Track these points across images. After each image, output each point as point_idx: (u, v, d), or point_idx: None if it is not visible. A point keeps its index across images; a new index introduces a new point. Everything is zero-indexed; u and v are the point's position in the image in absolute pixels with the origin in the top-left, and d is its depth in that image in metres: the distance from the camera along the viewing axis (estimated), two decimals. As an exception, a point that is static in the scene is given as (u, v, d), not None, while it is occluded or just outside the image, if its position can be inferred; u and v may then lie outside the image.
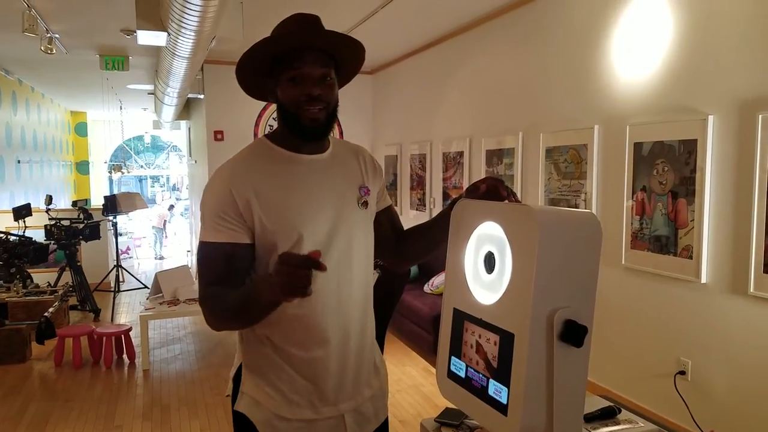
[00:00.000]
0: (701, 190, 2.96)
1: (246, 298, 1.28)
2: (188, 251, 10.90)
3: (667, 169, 3.16)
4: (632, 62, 3.42)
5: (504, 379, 1.15)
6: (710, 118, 2.91)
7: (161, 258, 11.49)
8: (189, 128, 10.09)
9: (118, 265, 7.40)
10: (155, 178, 17.40)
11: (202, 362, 4.79)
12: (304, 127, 1.36)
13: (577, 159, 3.88)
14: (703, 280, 2.97)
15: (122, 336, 4.89)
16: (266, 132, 7.41)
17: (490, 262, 1.23)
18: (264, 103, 7.24)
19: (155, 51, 5.87)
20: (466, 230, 1.30)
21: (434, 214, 6.12)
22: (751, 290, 2.71)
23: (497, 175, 4.77)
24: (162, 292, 5.18)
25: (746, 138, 2.75)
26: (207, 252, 1.36)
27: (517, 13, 4.50)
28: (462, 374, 1.29)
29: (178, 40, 4.18)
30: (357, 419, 1.48)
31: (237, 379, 1.48)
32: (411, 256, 1.64)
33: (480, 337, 1.23)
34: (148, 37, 4.38)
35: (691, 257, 3.02)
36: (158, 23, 4.19)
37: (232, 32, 4.31)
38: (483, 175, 4.97)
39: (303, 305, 1.36)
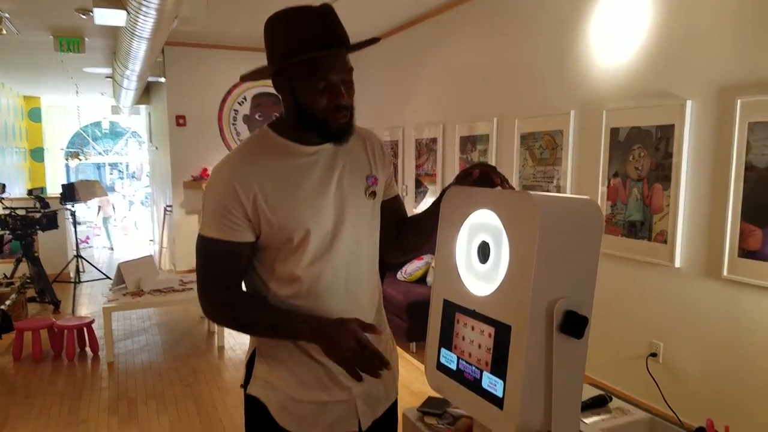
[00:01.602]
0: (677, 176, 2.96)
1: (278, 324, 1.33)
2: (151, 240, 10.61)
3: (643, 155, 3.16)
4: (609, 47, 3.41)
5: (499, 372, 1.10)
6: (688, 103, 2.91)
7: (111, 249, 10.95)
8: (149, 113, 9.81)
9: (77, 256, 7.15)
10: (114, 165, 16.91)
11: (168, 354, 4.66)
12: (333, 132, 1.33)
13: (552, 145, 3.86)
14: (677, 264, 2.99)
15: (84, 328, 4.72)
16: (231, 117, 7.29)
17: (484, 251, 1.17)
18: (229, 87, 7.08)
19: (113, 32, 5.63)
20: (458, 219, 1.24)
21: (406, 202, 6.08)
22: (725, 274, 2.73)
23: (471, 161, 4.74)
24: (125, 282, 5.01)
25: (724, 123, 2.76)
26: (210, 248, 1.34)
27: (489, -3, 4.45)
28: (453, 366, 1.23)
29: (138, 20, 4.00)
30: (368, 401, 1.47)
31: (250, 366, 1.46)
32: (405, 248, 1.59)
33: (473, 329, 1.18)
34: (105, 17, 4.18)
35: (665, 242, 3.04)
36: (116, 1, 4.00)
37: (195, 11, 4.16)
38: (457, 162, 4.93)
39: (312, 300, 1.37)
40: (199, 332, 5.21)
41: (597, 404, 1.49)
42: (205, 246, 1.34)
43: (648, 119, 3.13)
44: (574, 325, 1.03)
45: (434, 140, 5.30)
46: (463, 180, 1.33)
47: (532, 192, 1.07)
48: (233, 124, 7.31)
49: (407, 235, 1.57)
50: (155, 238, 9.72)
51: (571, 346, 1.06)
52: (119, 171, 16.82)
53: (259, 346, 1.45)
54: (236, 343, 4.81)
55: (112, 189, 14.97)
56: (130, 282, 4.99)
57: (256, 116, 7.38)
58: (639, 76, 3.22)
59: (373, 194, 1.45)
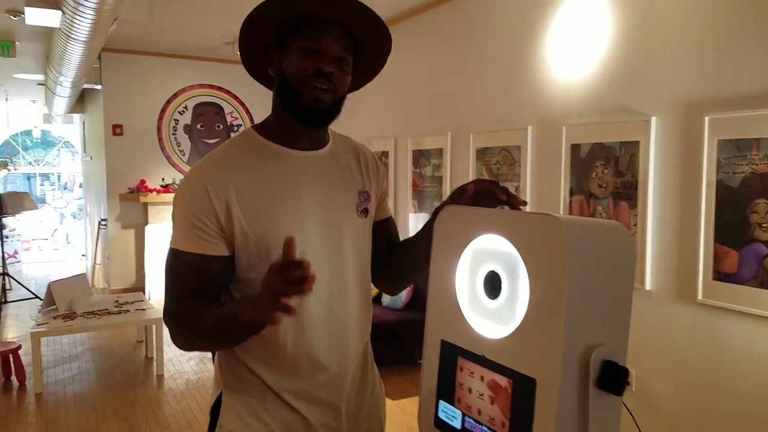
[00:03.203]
0: (644, 194, 2.89)
1: (223, 317, 1.11)
2: (83, 255, 10.04)
3: (607, 172, 3.08)
4: (568, 61, 3.33)
5: (520, 434, 0.91)
6: (653, 120, 2.84)
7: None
8: (83, 122, 9.30)
9: (4, 273, 6.60)
10: (45, 176, 16.04)
11: (103, 383, 4.28)
12: (304, 107, 1.15)
13: (509, 160, 3.75)
14: (648, 287, 2.90)
15: (10, 355, 4.28)
16: (171, 127, 6.92)
17: (493, 284, 0.99)
18: (169, 96, 6.74)
19: (46, 35, 5.24)
20: (458, 244, 1.06)
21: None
22: (700, 298, 2.64)
23: (424, 176, 4.59)
24: (56, 304, 4.60)
25: (692, 140, 2.69)
26: (176, 261, 1.16)
27: (446, 8, 4.34)
28: (457, 425, 1.04)
29: (74, 21, 3.68)
30: None
31: (215, 412, 1.25)
32: (395, 278, 1.37)
33: (482, 379, 0.99)
34: (38, 17, 3.84)
35: (634, 262, 2.95)
36: (50, 0, 3.68)
37: (136, 14, 3.86)
38: (409, 177, 4.77)
39: (291, 331, 1.17)
40: (136, 359, 4.83)
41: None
42: (172, 257, 1.16)
43: (611, 136, 3.05)
44: (615, 378, 0.86)
45: (385, 154, 5.14)
46: (458, 198, 1.16)
47: (556, 215, 0.90)
48: (173, 134, 6.96)
49: (397, 263, 1.36)
50: (88, 253, 9.17)
51: (609, 403, 0.89)
52: (50, 182, 15.95)
53: (225, 390, 1.23)
54: (176, 371, 4.47)
55: (43, 201, 14.17)
56: (62, 303, 4.58)
57: (198, 126, 7.07)
58: (600, 92, 3.15)
59: (365, 211, 1.28)
